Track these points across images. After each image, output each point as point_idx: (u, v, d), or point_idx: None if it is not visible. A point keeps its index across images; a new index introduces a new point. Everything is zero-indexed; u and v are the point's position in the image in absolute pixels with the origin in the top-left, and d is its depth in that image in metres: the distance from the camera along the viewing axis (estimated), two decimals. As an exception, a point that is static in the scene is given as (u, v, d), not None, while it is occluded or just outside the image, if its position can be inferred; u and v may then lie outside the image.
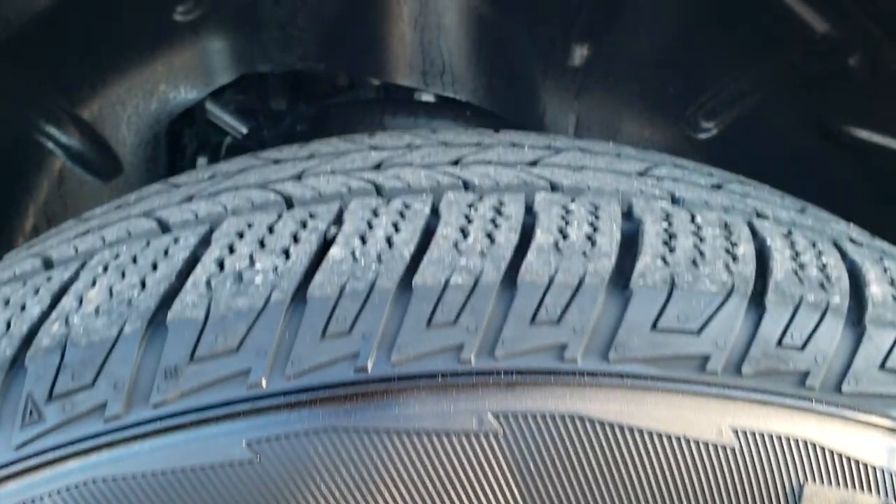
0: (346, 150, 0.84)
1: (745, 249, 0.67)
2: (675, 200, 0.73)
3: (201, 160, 1.76)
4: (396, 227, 0.65)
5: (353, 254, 0.62)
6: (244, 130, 2.06)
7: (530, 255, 0.62)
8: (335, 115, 1.54)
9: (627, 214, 0.69)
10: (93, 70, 1.47)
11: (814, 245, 0.71)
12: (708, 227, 0.69)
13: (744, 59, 1.43)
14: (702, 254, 0.65)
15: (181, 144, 1.87)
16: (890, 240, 1.58)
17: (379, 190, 0.71)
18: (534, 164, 0.78)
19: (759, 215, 0.75)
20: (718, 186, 0.82)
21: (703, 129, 1.53)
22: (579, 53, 1.47)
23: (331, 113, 1.55)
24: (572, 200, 0.69)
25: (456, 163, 0.77)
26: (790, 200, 0.88)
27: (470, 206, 0.68)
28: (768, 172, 1.65)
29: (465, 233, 0.64)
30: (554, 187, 0.72)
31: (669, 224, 0.68)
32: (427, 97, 1.51)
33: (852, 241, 0.77)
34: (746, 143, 1.55)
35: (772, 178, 1.67)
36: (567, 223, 0.66)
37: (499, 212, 0.67)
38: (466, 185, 0.72)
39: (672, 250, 0.65)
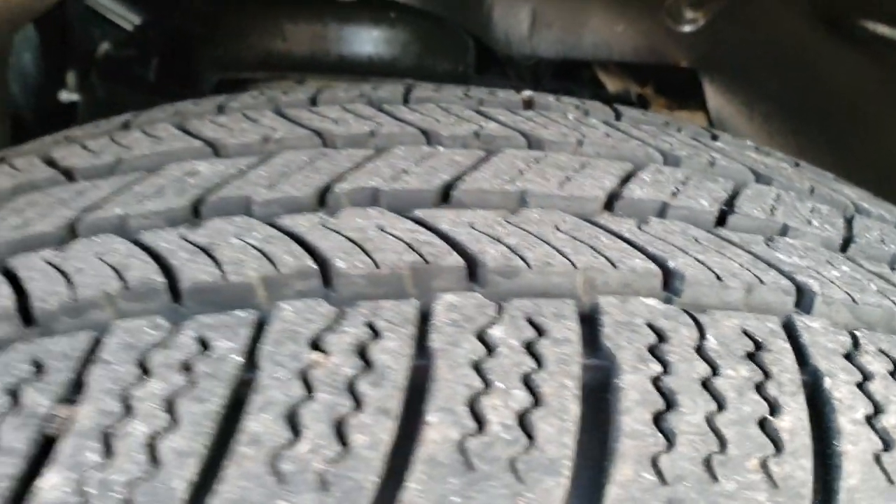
0: None
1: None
2: None
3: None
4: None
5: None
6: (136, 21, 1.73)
7: None
8: (227, 17, 1.23)
9: None
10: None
11: None
12: None
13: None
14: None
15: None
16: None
17: None
18: None
19: None
20: None
21: (686, 21, 1.25)
22: (532, -71, 1.16)
23: (222, 14, 1.24)
24: None
25: None
26: None
27: None
28: (762, 70, 1.38)
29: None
30: None
31: None
32: (342, -5, 1.20)
33: None
34: (738, 37, 1.27)
35: (767, 77, 1.41)
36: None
37: None
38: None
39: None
